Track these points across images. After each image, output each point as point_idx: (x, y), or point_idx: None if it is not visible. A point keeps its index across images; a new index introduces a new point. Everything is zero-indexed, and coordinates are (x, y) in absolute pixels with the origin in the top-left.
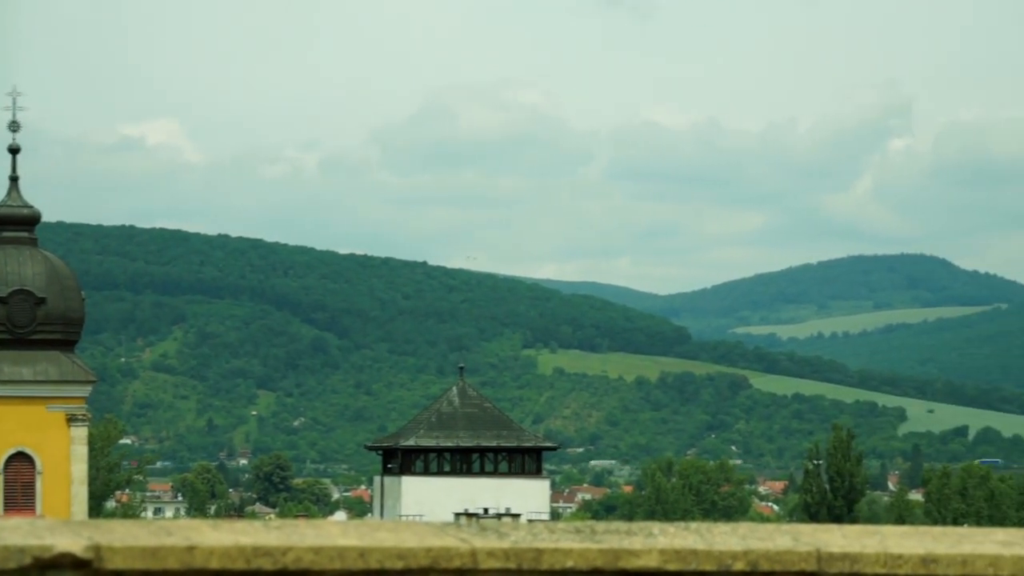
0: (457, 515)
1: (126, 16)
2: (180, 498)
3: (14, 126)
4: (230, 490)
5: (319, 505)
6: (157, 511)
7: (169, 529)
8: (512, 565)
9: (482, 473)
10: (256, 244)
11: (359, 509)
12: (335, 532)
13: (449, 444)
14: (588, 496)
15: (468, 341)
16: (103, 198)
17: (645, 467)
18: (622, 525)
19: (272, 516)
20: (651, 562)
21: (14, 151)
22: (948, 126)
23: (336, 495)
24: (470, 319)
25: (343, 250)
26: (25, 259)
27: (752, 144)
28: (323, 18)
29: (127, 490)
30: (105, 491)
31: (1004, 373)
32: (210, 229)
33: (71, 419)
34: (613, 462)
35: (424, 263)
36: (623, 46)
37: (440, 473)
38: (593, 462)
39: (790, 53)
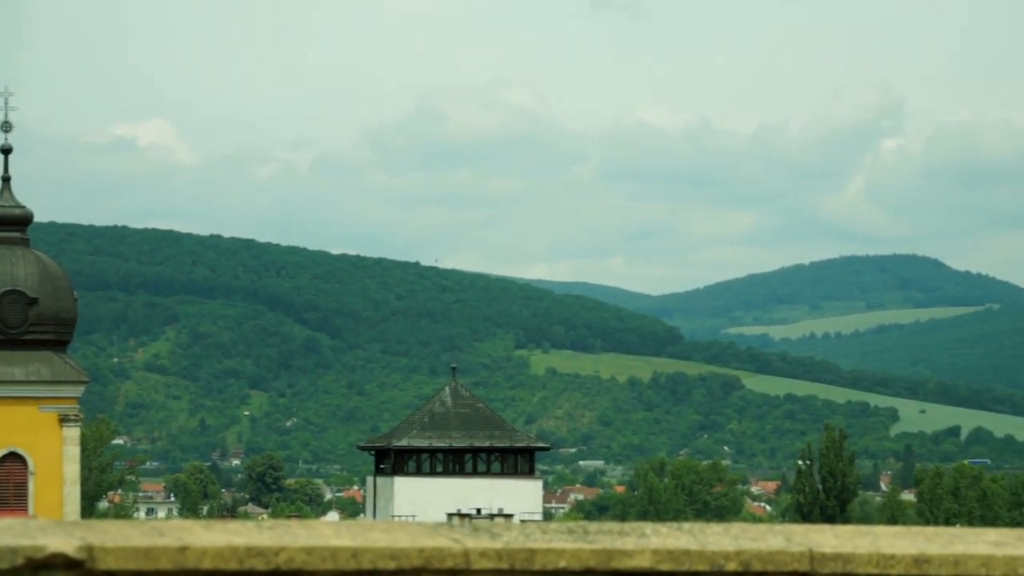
0: (450, 515)
1: (118, 16)
2: (172, 498)
3: (6, 126)
4: (222, 490)
5: (312, 505)
6: (150, 511)
7: (161, 529)
8: (505, 565)
9: (475, 473)
10: (248, 244)
11: (352, 509)
12: (328, 532)
13: (442, 444)
14: (581, 496)
15: (461, 341)
16: (95, 198)
17: (638, 467)
18: (615, 525)
19: (265, 516)
20: (644, 562)
21: (6, 151)
22: (940, 127)
23: (329, 495)
24: (463, 319)
25: (335, 250)
26: (17, 259)
27: (744, 144)
28: (315, 18)
29: (119, 490)
30: (97, 491)
31: (996, 373)
32: (202, 229)
33: (63, 419)
34: (601, 462)
35: (417, 263)
36: (615, 47)
37: (433, 473)
38: (582, 462)
39: (782, 54)
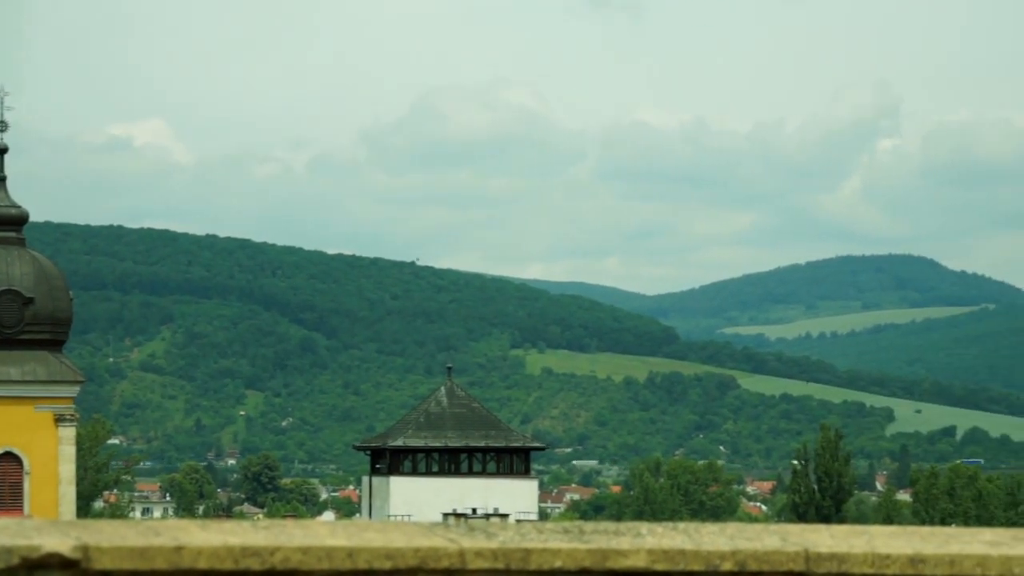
0: (445, 515)
1: (114, 16)
2: (168, 498)
3: (2, 125)
4: (218, 490)
5: (307, 505)
6: (145, 511)
7: (157, 529)
8: (500, 565)
9: (470, 473)
10: (244, 244)
11: (347, 509)
12: (323, 532)
13: (437, 444)
14: (576, 496)
15: (456, 341)
16: (91, 198)
17: (633, 467)
18: (610, 525)
19: (260, 516)
20: (639, 562)
21: (2, 151)
22: (937, 127)
23: (324, 495)
24: (458, 319)
25: (331, 250)
26: (13, 259)
27: (741, 144)
28: (313, 18)
29: (115, 490)
30: (93, 491)
31: (991, 373)
32: (198, 229)
33: (59, 419)
34: (597, 462)
35: (412, 263)
36: (613, 46)
37: (428, 473)
38: (577, 462)
39: (779, 54)
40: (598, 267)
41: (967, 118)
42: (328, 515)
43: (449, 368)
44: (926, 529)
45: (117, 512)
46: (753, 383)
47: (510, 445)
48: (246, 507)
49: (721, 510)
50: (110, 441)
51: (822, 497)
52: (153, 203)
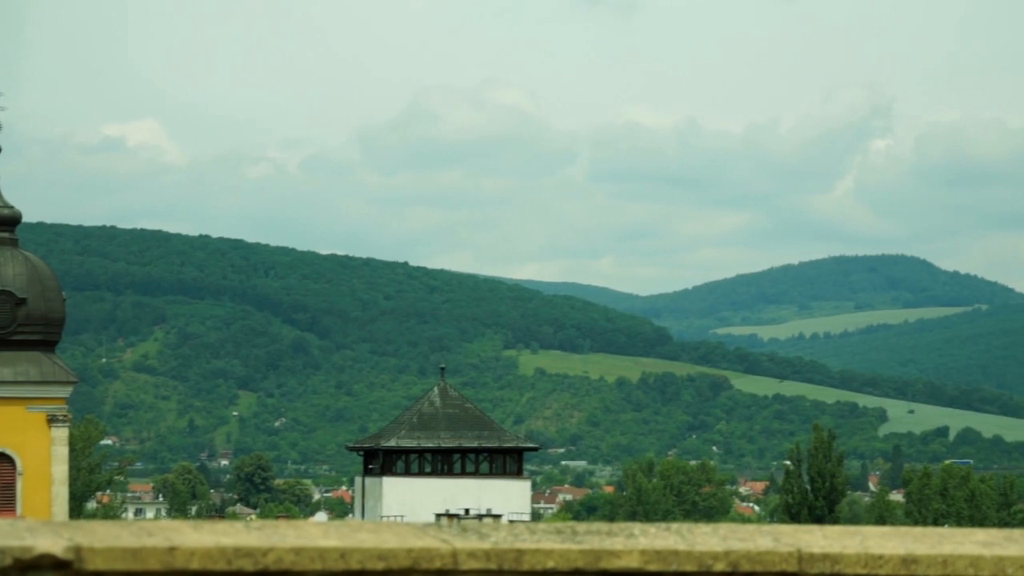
0: (438, 516)
1: (108, 16)
2: (161, 499)
3: None
4: (211, 491)
5: (300, 506)
6: (138, 512)
7: (150, 530)
8: (493, 566)
9: (463, 474)
10: (237, 244)
11: (340, 510)
12: (316, 533)
13: (430, 445)
14: (569, 497)
15: (449, 342)
16: (84, 198)
17: (626, 468)
18: (603, 526)
19: (253, 517)
20: (632, 563)
21: None
22: (929, 127)
23: (317, 496)
24: (451, 320)
25: (324, 250)
26: (6, 259)
27: (733, 145)
28: (306, 19)
29: (108, 491)
30: (86, 492)
31: (984, 374)
32: (191, 229)
33: (52, 420)
34: (584, 463)
35: (405, 263)
36: (605, 47)
37: (421, 474)
38: (570, 462)
39: (772, 54)
40: (591, 267)
41: (959, 119)
42: (321, 516)
43: (442, 368)
44: (919, 529)
45: (110, 513)
46: (746, 383)
47: (503, 446)
48: (239, 508)
49: (714, 510)
50: (103, 442)
51: (815, 497)
52: (146, 203)
